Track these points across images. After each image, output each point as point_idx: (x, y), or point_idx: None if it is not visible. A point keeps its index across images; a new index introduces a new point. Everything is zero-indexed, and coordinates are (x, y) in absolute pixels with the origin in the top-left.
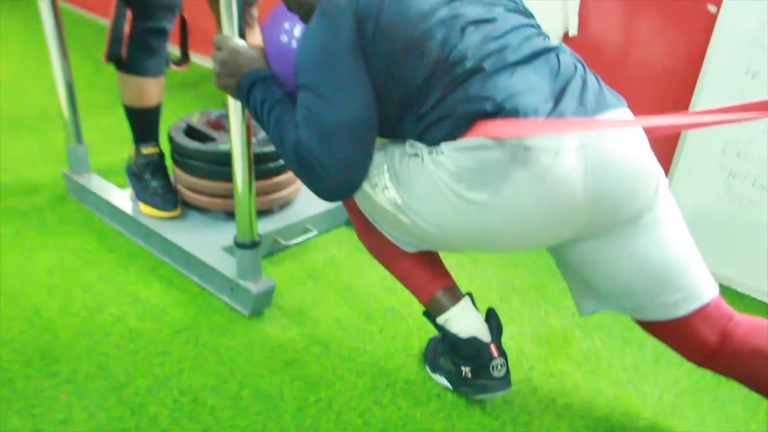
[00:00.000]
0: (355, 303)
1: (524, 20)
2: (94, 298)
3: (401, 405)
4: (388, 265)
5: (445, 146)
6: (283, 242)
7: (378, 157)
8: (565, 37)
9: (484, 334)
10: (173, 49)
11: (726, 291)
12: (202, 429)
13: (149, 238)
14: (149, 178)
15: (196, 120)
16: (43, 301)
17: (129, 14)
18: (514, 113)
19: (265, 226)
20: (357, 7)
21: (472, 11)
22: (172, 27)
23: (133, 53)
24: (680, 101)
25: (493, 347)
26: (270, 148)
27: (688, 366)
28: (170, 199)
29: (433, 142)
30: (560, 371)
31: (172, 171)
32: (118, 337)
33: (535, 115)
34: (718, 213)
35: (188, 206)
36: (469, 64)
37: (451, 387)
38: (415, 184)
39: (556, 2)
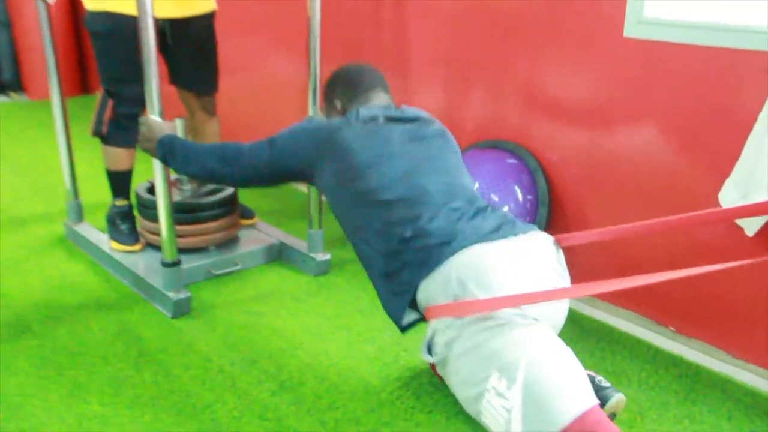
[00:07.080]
0: None
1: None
2: None
3: None
4: None
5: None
6: (213, 272)
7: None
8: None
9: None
10: None
11: None
12: None
13: (115, 266)
14: (119, 222)
15: None
16: None
17: (110, 103)
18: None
19: (199, 260)
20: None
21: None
22: (142, 112)
23: (111, 131)
24: None
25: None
26: (204, 200)
27: None
28: (133, 237)
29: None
30: None
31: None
32: None
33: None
34: None
35: (150, 246)
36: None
37: None
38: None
39: None
